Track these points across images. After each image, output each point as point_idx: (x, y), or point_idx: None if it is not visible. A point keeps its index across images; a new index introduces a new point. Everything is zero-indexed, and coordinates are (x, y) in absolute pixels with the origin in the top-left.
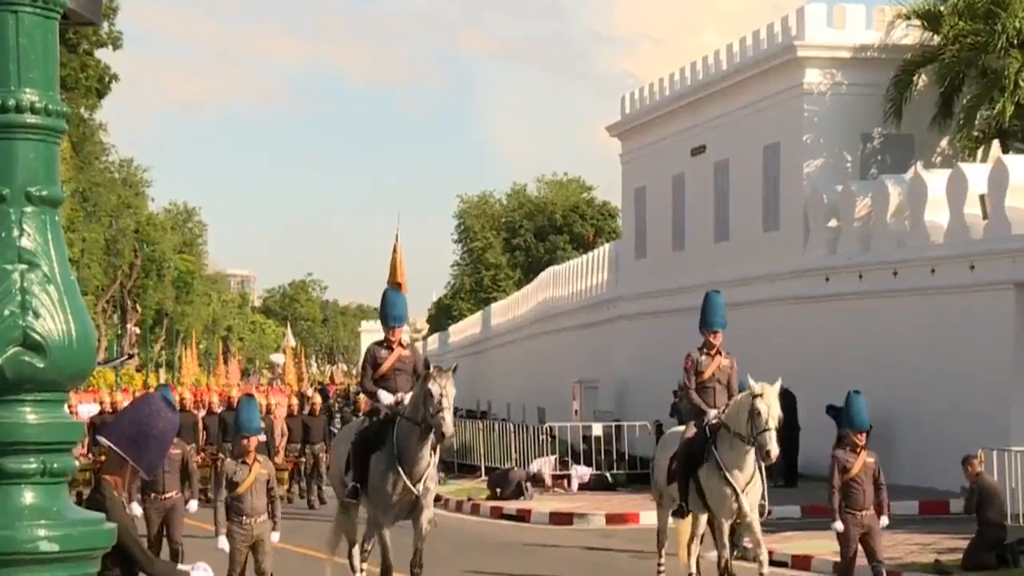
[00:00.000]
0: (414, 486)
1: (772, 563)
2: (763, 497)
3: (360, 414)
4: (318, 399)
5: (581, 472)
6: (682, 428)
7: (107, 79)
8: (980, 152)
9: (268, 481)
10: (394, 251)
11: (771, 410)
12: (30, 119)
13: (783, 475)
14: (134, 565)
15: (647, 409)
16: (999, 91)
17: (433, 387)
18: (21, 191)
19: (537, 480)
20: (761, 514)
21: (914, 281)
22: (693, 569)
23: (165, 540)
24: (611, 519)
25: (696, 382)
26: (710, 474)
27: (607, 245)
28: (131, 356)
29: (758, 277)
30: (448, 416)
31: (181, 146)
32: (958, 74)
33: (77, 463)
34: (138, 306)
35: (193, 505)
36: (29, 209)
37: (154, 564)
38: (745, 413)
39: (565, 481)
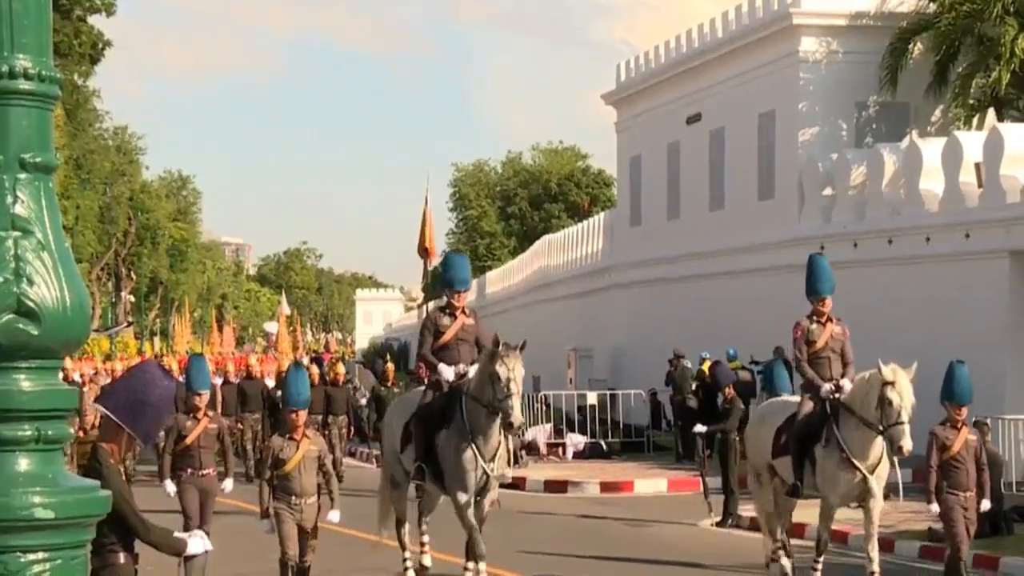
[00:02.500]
0: (487, 464)
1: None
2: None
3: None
4: (341, 368)
5: (576, 440)
6: (783, 399)
7: (100, 45)
8: (975, 120)
9: (319, 457)
10: (423, 215)
11: (904, 400)
12: (23, 85)
13: None
14: (130, 532)
15: (642, 377)
16: (995, 59)
17: (501, 369)
18: (14, 158)
19: (532, 448)
20: (886, 498)
21: (909, 249)
22: (783, 544)
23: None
24: (605, 487)
25: (808, 353)
26: (829, 455)
27: (602, 214)
28: (129, 324)
29: (753, 246)
30: (516, 403)
31: (175, 113)
32: (954, 42)
33: (72, 431)
34: (132, 274)
35: (228, 484)
36: (23, 176)
37: (151, 531)
38: (874, 400)
39: (560, 449)
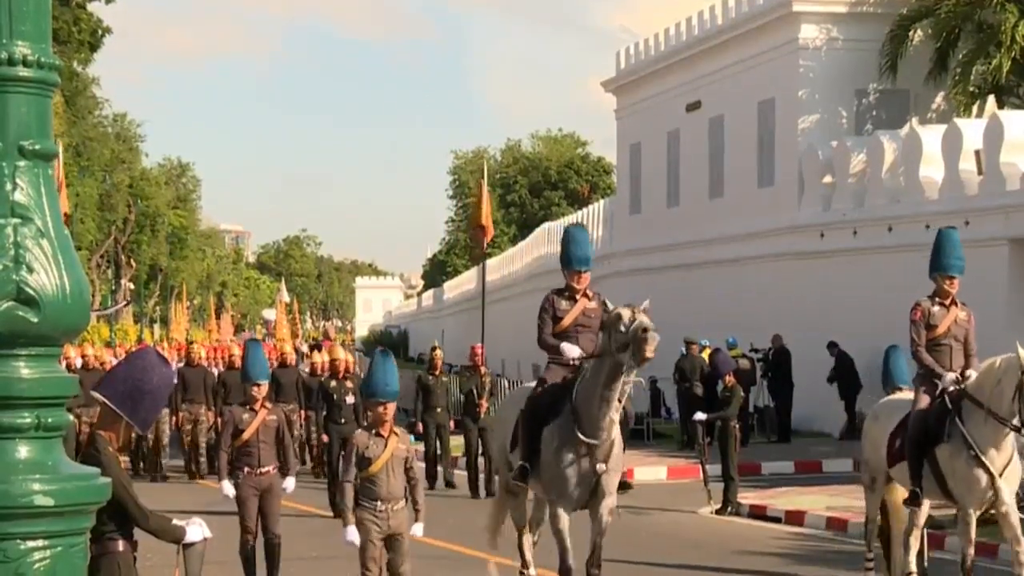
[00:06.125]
0: (596, 464)
1: (766, 519)
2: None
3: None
4: None
5: None
6: (898, 397)
7: (100, 32)
8: (975, 107)
9: (407, 459)
10: (480, 194)
11: None
12: (22, 72)
13: (777, 431)
14: (129, 520)
15: None
16: (995, 46)
17: (624, 311)
18: (14, 145)
19: None
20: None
21: (908, 237)
22: (913, 568)
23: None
24: None
25: (927, 338)
26: (955, 454)
27: (602, 201)
28: (128, 303)
29: (752, 233)
30: (651, 335)
31: (174, 100)
32: (954, 29)
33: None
34: (132, 261)
35: (290, 483)
36: (22, 163)
37: (149, 519)
38: (1010, 389)
39: None
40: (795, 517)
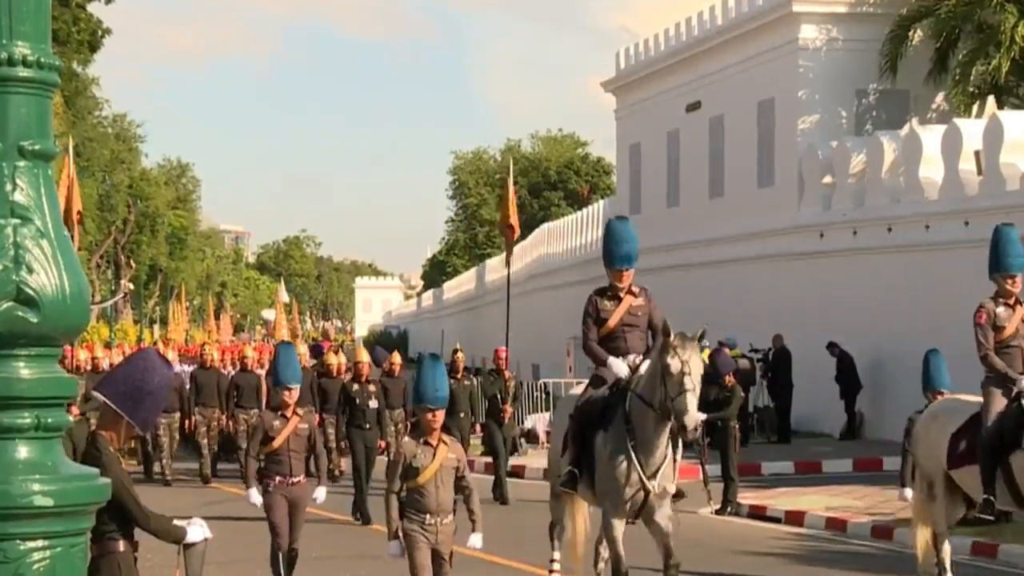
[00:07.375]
0: (648, 480)
1: (766, 519)
2: None
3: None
4: (397, 358)
5: None
6: (956, 397)
7: (99, 33)
8: (975, 108)
9: (458, 468)
10: (507, 191)
11: None
12: (22, 72)
13: (777, 431)
14: (130, 520)
15: None
16: (995, 46)
17: (672, 361)
18: (14, 145)
19: (531, 436)
20: None
21: (908, 237)
22: (947, 564)
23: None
24: None
25: (995, 341)
26: None
27: (601, 201)
28: (126, 295)
29: (752, 233)
30: (691, 400)
31: (174, 100)
32: (954, 29)
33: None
34: (132, 262)
35: (321, 493)
36: (22, 163)
37: (150, 519)
38: None
39: None
40: (795, 517)
